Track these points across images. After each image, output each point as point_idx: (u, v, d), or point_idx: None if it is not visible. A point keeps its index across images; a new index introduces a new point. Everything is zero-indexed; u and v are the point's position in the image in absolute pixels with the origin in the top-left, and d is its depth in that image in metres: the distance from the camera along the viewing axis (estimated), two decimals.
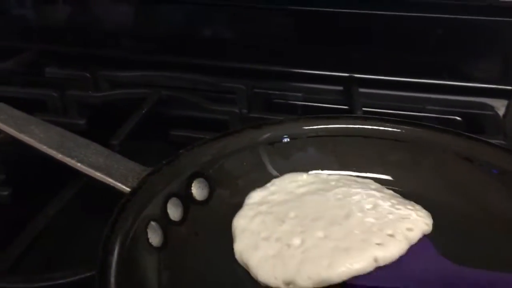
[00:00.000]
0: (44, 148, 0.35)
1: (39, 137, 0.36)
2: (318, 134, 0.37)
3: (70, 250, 0.40)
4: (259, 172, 0.36)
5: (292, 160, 0.37)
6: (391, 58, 0.61)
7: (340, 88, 0.61)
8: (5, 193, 0.41)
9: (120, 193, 0.35)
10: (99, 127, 0.54)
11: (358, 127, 0.37)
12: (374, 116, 0.40)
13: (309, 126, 0.37)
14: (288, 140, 0.37)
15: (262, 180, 0.36)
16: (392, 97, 0.60)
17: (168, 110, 0.56)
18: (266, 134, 0.37)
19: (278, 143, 0.37)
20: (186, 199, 0.35)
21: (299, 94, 0.60)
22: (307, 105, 0.60)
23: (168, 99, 0.57)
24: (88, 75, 0.62)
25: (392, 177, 0.37)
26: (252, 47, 0.64)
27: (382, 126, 0.38)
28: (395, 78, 0.61)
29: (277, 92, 0.61)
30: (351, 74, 0.61)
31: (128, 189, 0.34)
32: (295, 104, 0.61)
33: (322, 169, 0.37)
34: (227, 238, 0.34)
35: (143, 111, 0.54)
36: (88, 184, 0.43)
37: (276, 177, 0.36)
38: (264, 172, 0.37)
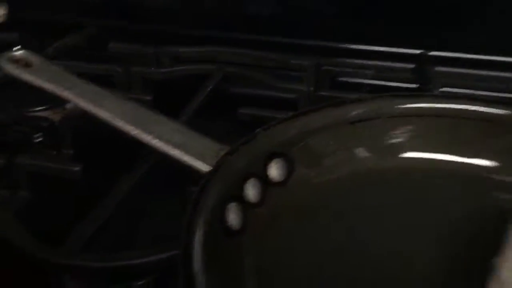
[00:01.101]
0: (120, 123, 0.34)
1: (114, 112, 0.35)
2: (412, 113, 0.35)
3: (142, 230, 0.39)
4: (345, 152, 0.34)
5: (382, 140, 0.34)
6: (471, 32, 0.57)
7: (412, 66, 0.58)
8: (76, 168, 0.40)
9: (194, 171, 0.34)
10: (164, 103, 0.53)
11: (454, 107, 0.34)
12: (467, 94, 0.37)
13: (403, 104, 0.35)
14: (379, 118, 0.34)
15: (349, 160, 0.34)
16: (469, 76, 0.56)
17: (233, 88, 0.55)
18: (355, 111, 0.34)
19: (368, 122, 0.35)
20: (265, 179, 0.33)
21: (368, 72, 0.57)
22: (376, 84, 0.57)
23: (233, 76, 0.56)
24: (150, 50, 0.61)
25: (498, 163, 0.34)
26: (319, 23, 0.61)
27: (477, 106, 0.34)
28: (473, 56, 0.57)
29: (345, 70, 0.58)
30: (424, 51, 0.58)
31: (205, 168, 0.32)
32: (362, 82, 0.58)
33: (415, 151, 0.35)
34: (308, 220, 0.32)
35: (209, 88, 0.52)
36: (159, 162, 0.43)
37: (365, 158, 0.34)
38: (351, 152, 0.34)
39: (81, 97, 0.36)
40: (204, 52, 0.61)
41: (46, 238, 0.34)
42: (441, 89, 0.49)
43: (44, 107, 0.51)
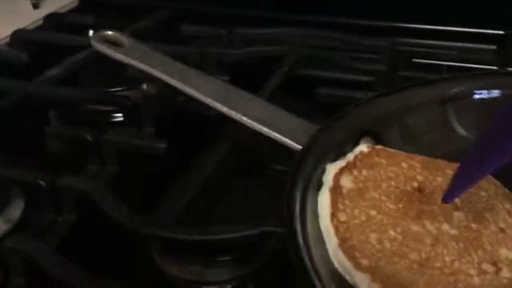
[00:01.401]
0: (209, 101, 0.35)
1: (203, 90, 0.35)
2: None
3: (226, 206, 0.40)
4: (446, 130, 0.33)
5: (482, 119, 0.33)
6: None
7: (494, 47, 0.56)
8: (161, 145, 0.41)
9: (278, 149, 0.34)
10: (240, 84, 0.53)
11: None
12: None
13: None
14: (485, 95, 0.33)
15: (447, 139, 0.33)
16: None
17: (308, 70, 0.54)
18: (456, 88, 0.33)
19: (469, 99, 0.33)
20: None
21: (448, 52, 0.55)
22: (454, 65, 0.56)
23: (307, 58, 0.55)
24: (223, 32, 0.61)
25: None
26: (395, 2, 0.59)
27: None
28: None
29: (421, 50, 0.56)
30: (508, 32, 0.55)
31: (297, 145, 0.32)
32: (440, 64, 0.56)
33: None
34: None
35: (284, 70, 0.52)
36: (241, 140, 0.43)
37: (464, 137, 0.33)
38: (452, 130, 0.33)
39: (171, 75, 0.37)
40: (276, 33, 0.61)
41: (136, 210, 0.36)
42: None
43: (124, 87, 0.53)
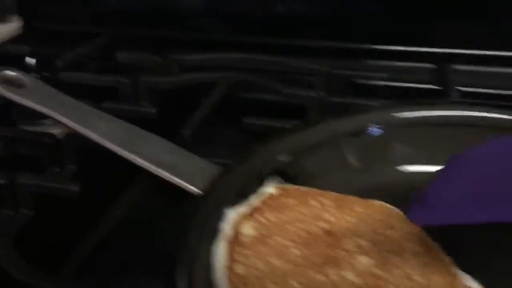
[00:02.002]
0: (107, 143, 0.33)
1: (103, 132, 0.34)
2: (412, 123, 0.32)
3: (139, 252, 0.38)
4: (341, 169, 0.32)
5: (380, 154, 0.32)
6: (491, 29, 0.53)
7: (432, 66, 0.55)
8: (76, 188, 0.39)
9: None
10: (170, 114, 0.51)
11: (461, 115, 0.32)
12: (478, 102, 0.34)
13: (401, 113, 0.32)
14: (377, 130, 0.32)
15: (344, 178, 0.31)
16: (492, 75, 0.53)
17: (241, 94, 0.53)
18: (350, 125, 0.32)
19: (364, 135, 0.32)
20: None
21: (383, 75, 0.54)
22: (393, 85, 0.55)
23: (241, 82, 0.54)
24: (159, 59, 0.60)
25: None
26: (330, 23, 0.58)
27: (490, 113, 0.32)
28: (496, 53, 0.53)
29: (358, 73, 0.55)
30: (443, 50, 0.55)
31: (196, 190, 0.31)
32: (378, 84, 0.55)
33: (415, 164, 0.32)
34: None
35: (215, 98, 0.51)
36: (157, 181, 0.41)
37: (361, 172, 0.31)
38: (346, 168, 0.32)
39: (70, 118, 0.35)
40: (212, 58, 0.59)
41: (44, 261, 0.34)
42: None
43: (50, 122, 0.51)
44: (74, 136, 0.47)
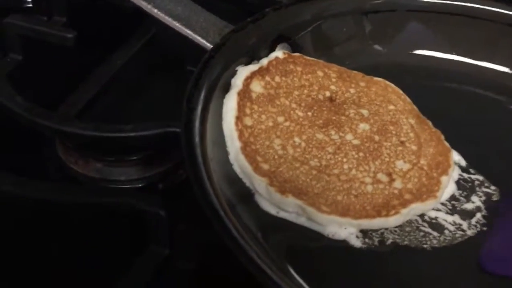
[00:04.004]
0: None
1: None
2: (437, 9, 0.33)
3: (136, 103, 0.38)
4: (359, 43, 0.33)
5: (398, 34, 0.33)
6: None
7: None
8: (70, 35, 0.38)
9: (193, 46, 0.32)
10: None
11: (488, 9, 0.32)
12: None
13: None
14: (395, 11, 0.32)
15: (361, 52, 0.32)
16: None
17: None
18: (374, 1, 0.32)
19: (384, 13, 0.32)
20: None
21: None
22: None
23: None
24: None
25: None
26: None
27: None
28: None
29: None
30: None
31: (208, 45, 0.31)
32: None
33: (431, 50, 0.33)
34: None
35: None
36: (157, 36, 0.41)
37: (377, 50, 0.32)
38: (365, 43, 0.33)
39: None
40: None
41: (39, 102, 0.34)
42: None
43: None
44: None
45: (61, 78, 0.39)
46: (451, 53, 0.34)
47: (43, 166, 0.36)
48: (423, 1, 0.34)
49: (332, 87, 0.32)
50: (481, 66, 0.34)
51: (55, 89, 0.38)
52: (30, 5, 0.47)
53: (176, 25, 0.31)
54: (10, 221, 0.31)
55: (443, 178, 0.29)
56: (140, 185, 0.35)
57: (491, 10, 0.33)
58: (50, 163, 0.36)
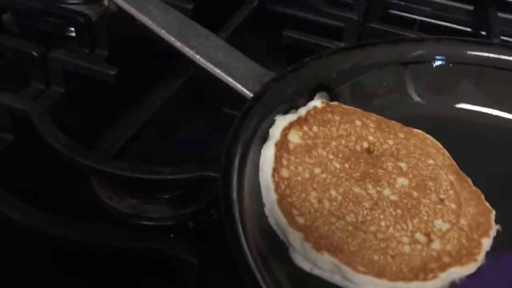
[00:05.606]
0: (162, 32, 0.32)
1: (157, 20, 0.33)
2: (479, 62, 0.32)
3: (171, 142, 0.38)
4: (398, 94, 0.32)
5: (439, 86, 0.33)
6: None
7: (470, 7, 0.54)
8: (112, 72, 0.39)
9: (230, 91, 0.33)
10: (206, 15, 0.50)
11: None
12: None
13: (472, 51, 0.32)
14: (444, 62, 0.32)
15: (400, 103, 0.32)
16: None
17: (279, 7, 0.52)
18: (416, 52, 0.32)
19: (429, 64, 0.32)
20: None
21: (424, 8, 0.53)
22: (429, 22, 0.54)
23: None
24: None
25: None
26: None
27: None
28: None
29: (397, 2, 0.54)
30: None
31: (248, 93, 0.31)
32: (414, 18, 0.55)
33: (473, 104, 0.33)
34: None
35: (254, 4, 0.49)
36: (195, 75, 0.41)
37: (417, 103, 0.32)
38: (404, 95, 0.32)
39: (125, 0, 0.34)
40: None
41: (76, 136, 0.34)
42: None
43: (81, 1, 0.49)
44: (107, 19, 0.46)
45: (99, 112, 0.40)
46: (493, 108, 0.33)
47: (77, 198, 0.37)
48: (465, 53, 0.34)
49: (370, 137, 0.31)
50: None
51: (93, 123, 0.39)
52: (73, 34, 0.48)
53: (218, 72, 0.31)
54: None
55: (484, 240, 0.28)
56: (170, 223, 0.35)
57: None
58: (84, 195, 0.37)
